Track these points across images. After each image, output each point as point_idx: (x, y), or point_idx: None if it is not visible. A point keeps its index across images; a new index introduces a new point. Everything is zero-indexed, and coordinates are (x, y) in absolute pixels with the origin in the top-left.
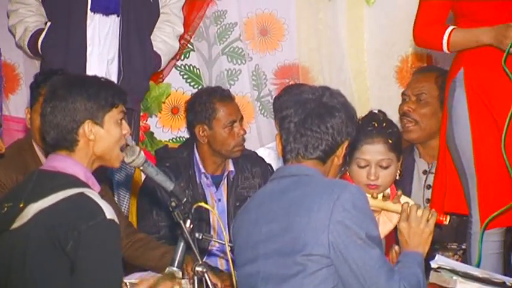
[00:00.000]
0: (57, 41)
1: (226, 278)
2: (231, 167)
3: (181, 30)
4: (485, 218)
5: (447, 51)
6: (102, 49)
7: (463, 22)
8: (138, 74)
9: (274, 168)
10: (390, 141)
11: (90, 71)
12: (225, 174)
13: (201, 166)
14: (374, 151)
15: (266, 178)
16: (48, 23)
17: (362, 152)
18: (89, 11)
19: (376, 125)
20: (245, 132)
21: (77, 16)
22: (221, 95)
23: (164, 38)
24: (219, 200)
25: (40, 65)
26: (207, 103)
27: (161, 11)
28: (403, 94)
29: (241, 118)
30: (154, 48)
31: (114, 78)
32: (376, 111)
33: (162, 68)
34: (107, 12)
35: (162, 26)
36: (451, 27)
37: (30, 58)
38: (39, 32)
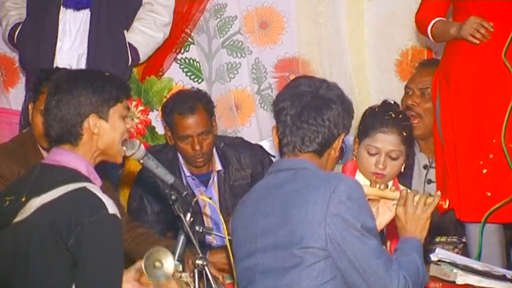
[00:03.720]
0: (30, 35)
1: (217, 252)
2: (218, 166)
3: (167, 19)
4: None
5: (434, 41)
6: (72, 44)
7: (459, 17)
8: (106, 68)
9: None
10: (404, 134)
11: (59, 66)
12: (213, 173)
13: (185, 168)
14: (387, 141)
15: (256, 162)
16: (25, 16)
17: (375, 140)
18: (61, 5)
19: (393, 115)
20: (200, 149)
21: (50, 10)
22: (182, 107)
23: (143, 29)
24: (210, 198)
25: (18, 59)
26: (169, 111)
27: (144, 0)
28: (406, 87)
29: (205, 132)
30: (130, 41)
31: None
32: (392, 102)
33: (142, 60)
34: (77, 7)
35: (143, 17)
36: (435, 20)
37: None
38: (18, 25)
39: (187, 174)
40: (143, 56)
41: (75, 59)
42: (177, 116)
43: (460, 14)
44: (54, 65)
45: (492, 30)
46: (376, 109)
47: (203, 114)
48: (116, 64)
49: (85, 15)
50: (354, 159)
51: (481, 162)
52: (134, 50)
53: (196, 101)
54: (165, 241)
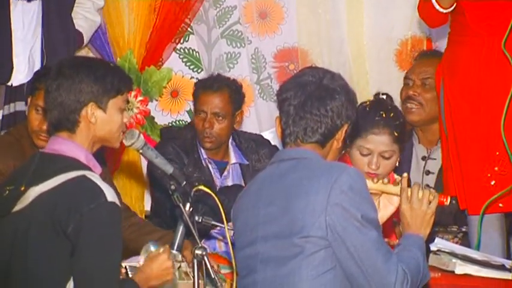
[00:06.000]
0: None
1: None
2: (233, 159)
3: (102, 3)
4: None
5: (441, 8)
6: (26, 35)
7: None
8: (60, 55)
9: None
10: (396, 134)
11: (16, 57)
12: (229, 166)
13: (203, 150)
14: (379, 142)
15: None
16: None
17: (366, 141)
18: None
19: (384, 115)
20: (211, 128)
21: (0, 3)
22: (208, 83)
23: (85, 14)
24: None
25: None
26: (197, 85)
27: None
28: (406, 78)
29: (220, 114)
30: (76, 26)
31: (37, 62)
32: (384, 97)
33: (85, 44)
34: None
35: (81, 1)
36: None
37: None
38: None
39: (205, 156)
40: (86, 40)
41: (28, 50)
42: (201, 90)
43: (457, 12)
44: (13, 57)
45: None
46: (367, 108)
47: (225, 98)
48: (69, 50)
49: (36, 5)
50: (348, 155)
51: (489, 175)
52: (80, 36)
53: (224, 85)
54: (158, 232)
